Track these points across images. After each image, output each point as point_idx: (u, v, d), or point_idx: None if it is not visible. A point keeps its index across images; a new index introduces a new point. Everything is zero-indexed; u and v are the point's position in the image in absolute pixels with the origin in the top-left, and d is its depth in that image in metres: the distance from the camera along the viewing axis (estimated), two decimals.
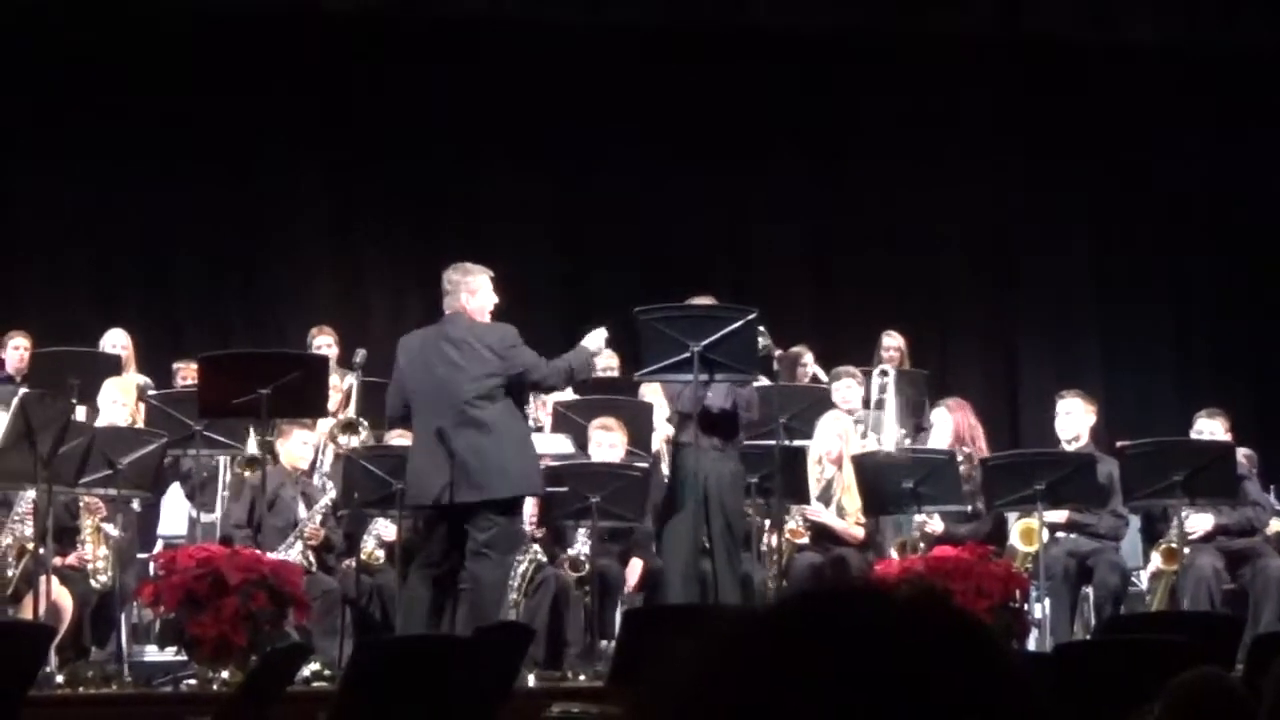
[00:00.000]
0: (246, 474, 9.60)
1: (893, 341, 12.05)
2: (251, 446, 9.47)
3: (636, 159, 13.54)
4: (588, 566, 9.33)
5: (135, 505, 9.50)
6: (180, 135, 12.89)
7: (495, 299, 8.64)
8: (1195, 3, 13.87)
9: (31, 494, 8.65)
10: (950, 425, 10.23)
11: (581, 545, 9.50)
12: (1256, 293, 13.88)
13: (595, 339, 8.82)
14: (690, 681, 1.15)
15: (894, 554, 9.69)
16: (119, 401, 9.63)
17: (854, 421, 10.33)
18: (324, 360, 9.63)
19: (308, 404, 9.00)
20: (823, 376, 11.23)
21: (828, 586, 1.21)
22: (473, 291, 8.54)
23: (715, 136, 13.53)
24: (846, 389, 10.75)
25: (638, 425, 10.01)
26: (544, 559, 9.46)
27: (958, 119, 13.80)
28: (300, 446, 9.61)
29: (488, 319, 8.59)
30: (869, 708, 1.09)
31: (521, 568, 9.31)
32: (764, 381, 9.48)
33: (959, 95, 13.80)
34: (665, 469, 9.66)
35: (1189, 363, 14.05)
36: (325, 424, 9.94)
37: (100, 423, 9.36)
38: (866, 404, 10.79)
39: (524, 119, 13.37)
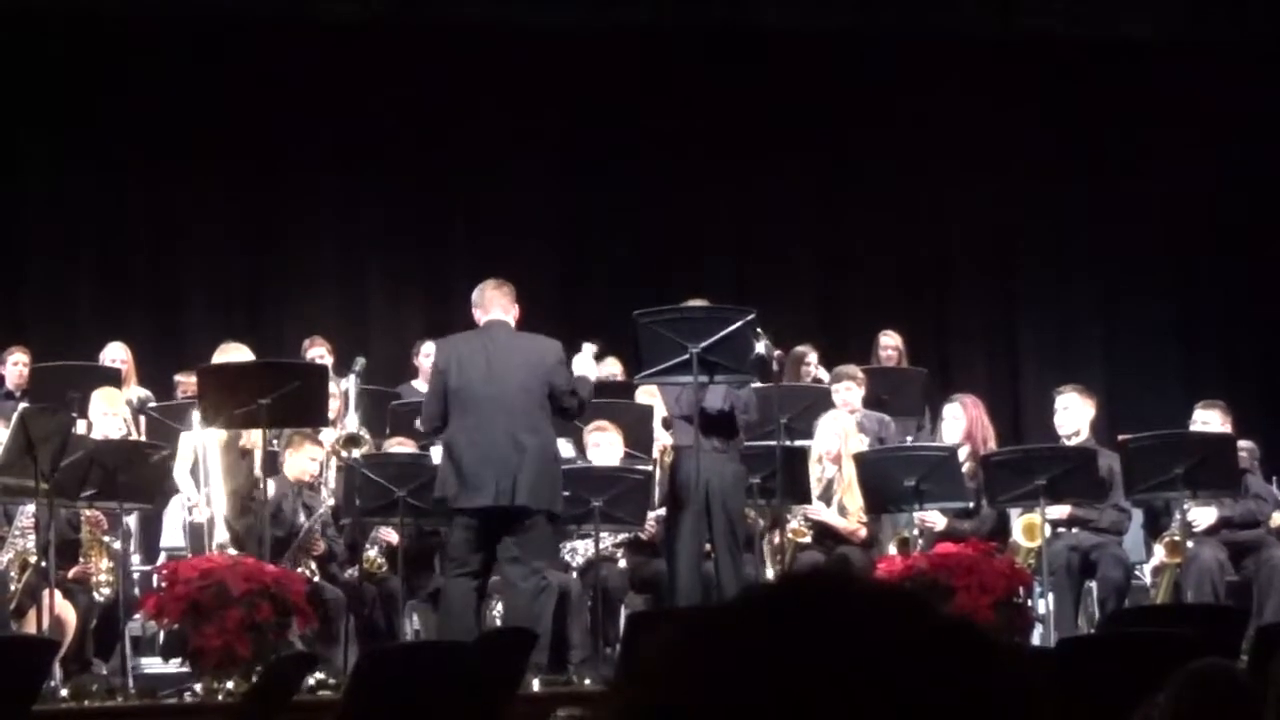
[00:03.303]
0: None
1: (890, 341, 12.08)
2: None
3: (638, 162, 13.55)
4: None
5: (129, 521, 9.49)
6: (183, 146, 12.90)
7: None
8: (1198, 1, 13.87)
9: (31, 508, 8.65)
10: (964, 422, 10.23)
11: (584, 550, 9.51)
12: (1259, 286, 13.87)
13: (589, 362, 8.86)
14: (663, 678, 1.14)
15: (893, 550, 9.70)
16: (108, 413, 9.63)
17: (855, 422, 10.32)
18: (324, 369, 9.62)
19: (308, 413, 8.98)
20: (824, 376, 11.23)
21: (793, 579, 1.20)
22: (514, 302, 8.72)
23: (716, 138, 13.54)
24: (846, 390, 10.73)
25: (638, 428, 10.01)
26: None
27: (959, 118, 13.80)
28: (308, 462, 9.61)
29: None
30: (843, 703, 1.09)
31: None
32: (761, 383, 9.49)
33: (960, 95, 13.79)
34: (657, 481, 9.69)
35: (1193, 356, 14.04)
36: (328, 439, 9.93)
37: (94, 435, 9.35)
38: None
39: (526, 123, 13.38)
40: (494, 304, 8.67)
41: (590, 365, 8.85)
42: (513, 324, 8.69)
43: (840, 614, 1.12)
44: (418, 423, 9.22)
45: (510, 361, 8.46)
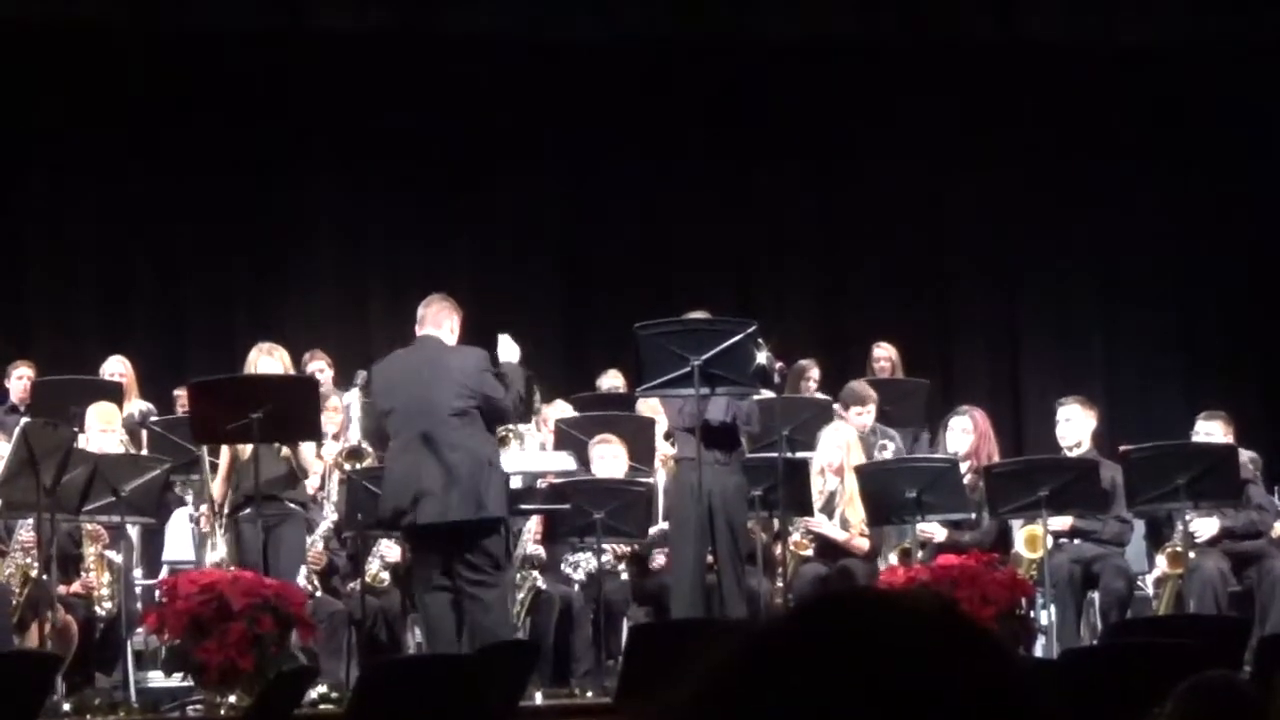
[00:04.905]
0: None
1: (883, 352, 12.06)
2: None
3: (639, 170, 13.55)
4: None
5: (132, 533, 9.47)
6: (184, 156, 12.90)
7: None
8: (1196, 4, 13.87)
9: (31, 522, 8.64)
10: (974, 436, 10.22)
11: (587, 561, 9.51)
12: (1260, 294, 13.85)
13: (511, 349, 8.79)
14: (701, 696, 1.14)
15: (893, 559, 9.69)
16: (105, 430, 9.61)
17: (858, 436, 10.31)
18: (314, 382, 9.61)
19: (300, 427, 8.95)
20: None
21: (834, 595, 1.20)
22: (452, 312, 8.70)
23: (717, 146, 13.54)
24: (868, 414, 10.70)
25: (640, 440, 10.00)
26: (542, 585, 9.43)
27: (959, 124, 13.79)
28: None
29: (453, 342, 8.71)
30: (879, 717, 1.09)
31: (520, 593, 9.30)
32: (764, 394, 9.48)
33: (959, 100, 13.78)
34: (661, 492, 9.69)
35: (1194, 366, 14.02)
36: (330, 452, 9.92)
37: (91, 449, 9.33)
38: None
39: (527, 133, 13.39)
40: (427, 320, 8.70)
41: (513, 350, 8.77)
42: (446, 337, 8.66)
43: (876, 632, 1.13)
44: None
45: (438, 379, 8.45)
